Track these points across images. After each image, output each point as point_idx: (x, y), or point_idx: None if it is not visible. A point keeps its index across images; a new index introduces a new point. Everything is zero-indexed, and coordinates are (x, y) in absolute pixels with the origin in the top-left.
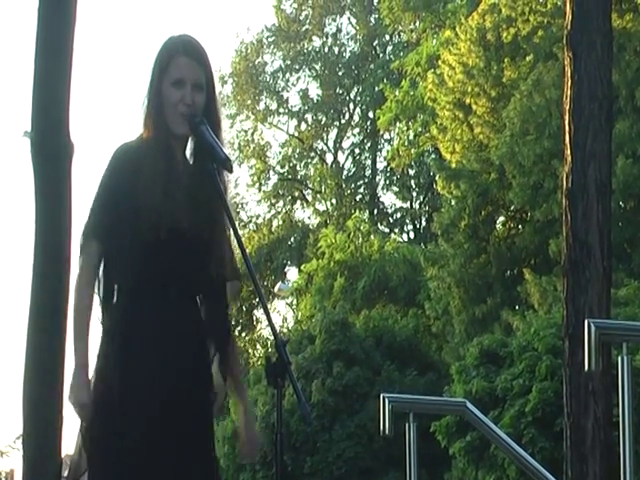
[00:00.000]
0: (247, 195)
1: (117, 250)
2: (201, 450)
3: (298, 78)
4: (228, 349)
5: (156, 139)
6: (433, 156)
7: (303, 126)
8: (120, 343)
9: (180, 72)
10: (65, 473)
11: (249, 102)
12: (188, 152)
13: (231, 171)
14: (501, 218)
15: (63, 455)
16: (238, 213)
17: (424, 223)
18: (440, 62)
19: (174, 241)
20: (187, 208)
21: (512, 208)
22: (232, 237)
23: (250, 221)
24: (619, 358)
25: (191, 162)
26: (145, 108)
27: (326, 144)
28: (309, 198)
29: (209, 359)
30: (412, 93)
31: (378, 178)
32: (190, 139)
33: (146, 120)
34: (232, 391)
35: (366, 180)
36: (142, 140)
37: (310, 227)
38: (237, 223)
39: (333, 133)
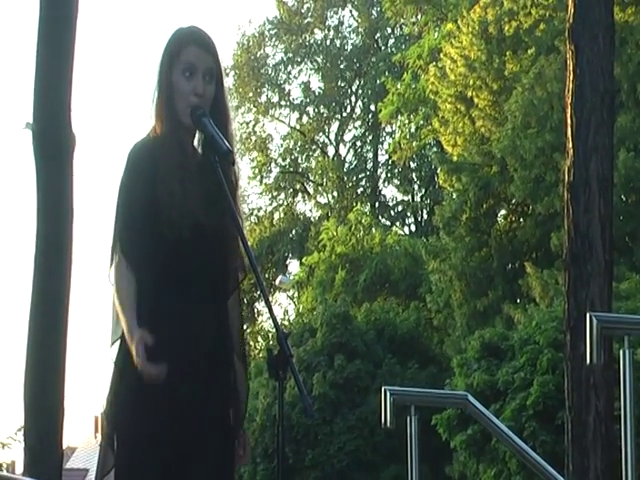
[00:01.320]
0: (249, 188)
1: (139, 250)
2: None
3: (300, 71)
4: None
5: (168, 132)
6: (435, 149)
7: (305, 119)
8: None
9: (191, 61)
10: (66, 465)
11: (251, 95)
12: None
13: (233, 163)
14: (502, 211)
15: (64, 447)
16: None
17: (425, 216)
18: (442, 55)
19: (196, 239)
20: (204, 203)
21: (513, 201)
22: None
23: (252, 213)
24: (621, 352)
25: (200, 154)
26: (156, 100)
27: (328, 137)
28: (311, 191)
29: (232, 361)
30: (414, 86)
31: (380, 171)
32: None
33: (157, 112)
34: None
35: (368, 173)
36: (154, 135)
37: (311, 220)
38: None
39: (335, 126)
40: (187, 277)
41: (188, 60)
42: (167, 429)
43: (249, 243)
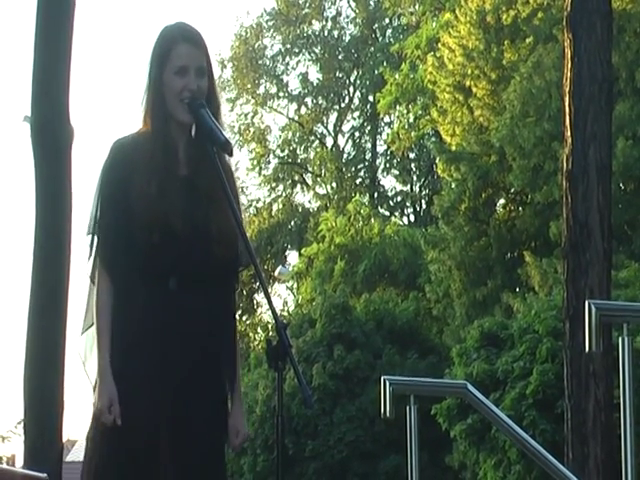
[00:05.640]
0: (247, 179)
1: (112, 246)
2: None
3: (298, 62)
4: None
5: (156, 132)
6: (433, 139)
7: (303, 110)
8: (116, 337)
9: (182, 60)
10: (66, 458)
11: (249, 86)
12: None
13: (231, 154)
14: (501, 201)
15: (64, 440)
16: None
17: (424, 206)
18: (440, 45)
19: (168, 243)
20: (183, 206)
21: (512, 190)
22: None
23: (250, 205)
24: (620, 339)
25: (193, 147)
26: (146, 101)
27: (326, 128)
28: (309, 182)
29: (219, 354)
30: (412, 76)
31: (378, 161)
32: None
33: (147, 113)
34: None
35: (366, 163)
36: (139, 135)
37: (310, 211)
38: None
39: (333, 117)
40: (159, 274)
41: (179, 58)
42: (147, 441)
43: (248, 234)
